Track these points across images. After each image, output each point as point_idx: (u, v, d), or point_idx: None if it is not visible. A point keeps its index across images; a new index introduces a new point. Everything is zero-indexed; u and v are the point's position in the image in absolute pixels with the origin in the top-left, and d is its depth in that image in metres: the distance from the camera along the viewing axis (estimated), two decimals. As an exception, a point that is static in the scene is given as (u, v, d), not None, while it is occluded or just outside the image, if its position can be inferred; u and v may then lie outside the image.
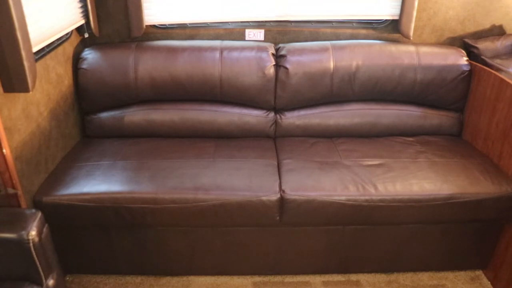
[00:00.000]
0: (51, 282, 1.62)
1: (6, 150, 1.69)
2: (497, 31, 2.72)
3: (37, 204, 1.99)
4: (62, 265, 1.76)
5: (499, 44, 2.58)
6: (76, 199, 1.99)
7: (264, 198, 2.02)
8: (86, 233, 2.13)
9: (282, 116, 2.60)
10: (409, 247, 2.23)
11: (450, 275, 2.35)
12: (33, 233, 1.51)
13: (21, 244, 1.50)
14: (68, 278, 2.29)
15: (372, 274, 2.34)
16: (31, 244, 1.51)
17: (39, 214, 1.59)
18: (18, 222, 1.55)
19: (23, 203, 1.83)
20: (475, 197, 2.05)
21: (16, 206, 1.81)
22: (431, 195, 2.04)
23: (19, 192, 1.80)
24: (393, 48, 2.54)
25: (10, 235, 1.50)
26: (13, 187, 1.77)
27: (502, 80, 2.24)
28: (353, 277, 2.33)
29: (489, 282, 2.30)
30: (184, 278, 2.31)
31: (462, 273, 2.36)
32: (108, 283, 2.27)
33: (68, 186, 2.04)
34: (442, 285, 2.28)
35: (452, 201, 2.04)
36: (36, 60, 2.04)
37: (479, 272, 2.37)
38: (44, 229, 1.60)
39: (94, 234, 2.13)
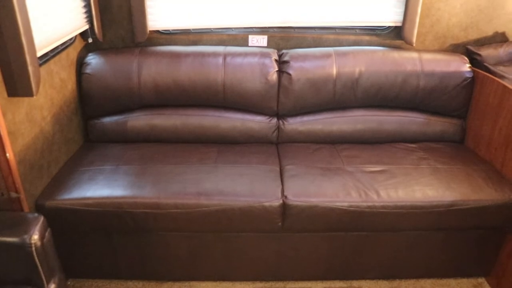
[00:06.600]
0: (52, 286, 1.62)
1: (9, 154, 1.69)
2: (500, 38, 2.72)
3: (39, 208, 1.99)
4: (64, 269, 1.75)
5: (502, 51, 2.58)
6: (79, 204, 1.99)
7: (266, 204, 2.01)
8: (88, 237, 2.13)
9: (285, 122, 2.60)
10: (412, 254, 2.22)
11: (452, 282, 2.34)
12: (35, 237, 1.51)
13: (23, 248, 1.50)
14: (70, 282, 2.29)
15: (374, 280, 2.33)
16: (33, 248, 1.51)
17: (42, 218, 1.60)
18: (21, 226, 1.55)
19: (26, 207, 1.84)
20: (477, 204, 2.04)
21: (18, 210, 1.81)
22: (433, 201, 2.04)
23: (22, 196, 1.80)
24: (396, 54, 2.55)
25: (13, 239, 1.50)
26: (16, 191, 1.77)
27: (505, 87, 2.24)
28: (355, 283, 2.32)
29: (492, 290, 2.29)
30: (186, 283, 2.30)
31: (464, 280, 2.35)
32: (109, 287, 2.27)
33: (71, 191, 2.04)
34: (444, 292, 2.28)
35: (454, 208, 2.04)
36: (40, 65, 2.05)
37: (481, 280, 2.35)
38: (46, 234, 1.60)
39: (96, 238, 2.13)
